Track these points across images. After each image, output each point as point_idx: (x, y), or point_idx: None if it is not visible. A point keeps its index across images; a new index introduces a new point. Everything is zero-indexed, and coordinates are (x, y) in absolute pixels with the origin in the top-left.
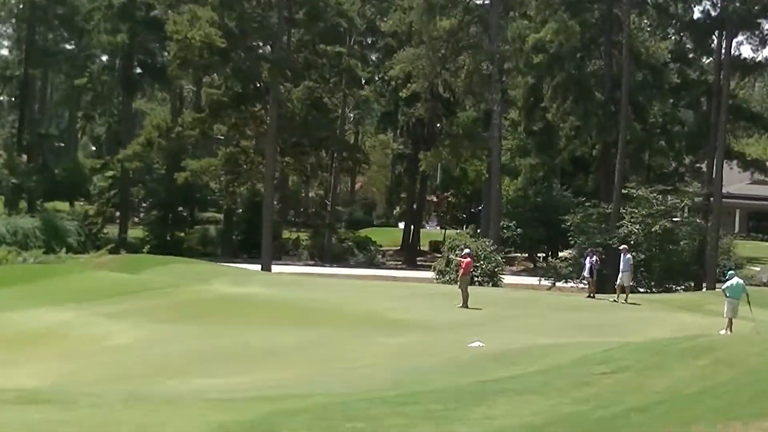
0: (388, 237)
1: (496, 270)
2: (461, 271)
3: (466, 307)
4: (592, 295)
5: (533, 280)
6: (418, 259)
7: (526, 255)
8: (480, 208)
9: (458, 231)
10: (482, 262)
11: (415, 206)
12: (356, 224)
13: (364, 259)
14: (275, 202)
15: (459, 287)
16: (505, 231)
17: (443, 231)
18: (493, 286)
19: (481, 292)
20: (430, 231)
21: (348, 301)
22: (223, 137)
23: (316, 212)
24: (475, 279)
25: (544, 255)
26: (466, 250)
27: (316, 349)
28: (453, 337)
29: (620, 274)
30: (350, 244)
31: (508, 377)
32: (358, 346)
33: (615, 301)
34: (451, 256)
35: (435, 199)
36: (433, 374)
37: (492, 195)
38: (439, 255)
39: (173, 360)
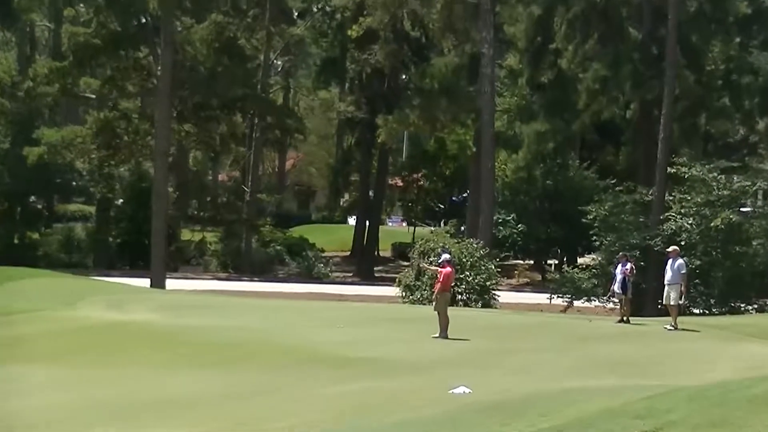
0: (334, 238)
1: (488, 284)
2: (438, 286)
3: (446, 337)
4: (625, 318)
5: (541, 298)
6: (376, 269)
7: (532, 262)
8: (464, 195)
9: (433, 229)
10: (468, 273)
11: (371, 194)
12: (287, 220)
13: (298, 269)
14: (170, 189)
15: (435, 309)
16: (501, 228)
17: (412, 229)
18: (483, 306)
19: (467, 315)
20: (393, 229)
21: (277, 331)
22: (94, 96)
23: (230, 203)
24: (459, 297)
25: (556, 262)
26: (445, 256)
27: (230, 403)
28: (428, 381)
29: (665, 289)
30: (279, 248)
31: None
32: (294, 396)
33: (671, 327)
34: (423, 265)
35: (400, 184)
36: None
37: (482, 177)
38: (405, 263)
39: (23, 419)
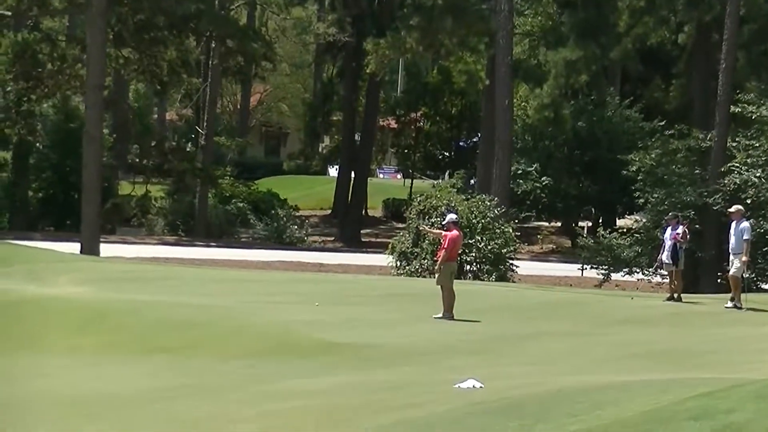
0: (310, 193)
1: (504, 252)
2: (441, 254)
3: (451, 317)
4: (676, 295)
5: (571, 270)
6: (363, 232)
7: (559, 225)
8: (474, 140)
9: (436, 182)
10: (480, 238)
11: (357, 138)
12: (252, 171)
13: (266, 232)
14: (105, 131)
15: (438, 282)
16: (521, 182)
17: (408, 182)
18: (498, 280)
19: (478, 290)
20: (386, 182)
21: (239, 309)
22: (9, 14)
23: (180, 149)
24: (467, 267)
25: (589, 225)
26: (451, 217)
27: (174, 401)
28: (427, 373)
29: (731, 258)
30: (241, 205)
31: None
32: (257, 393)
33: (733, 306)
34: (423, 228)
35: (394, 126)
36: None
37: (497, 117)
38: (401, 226)
39: None
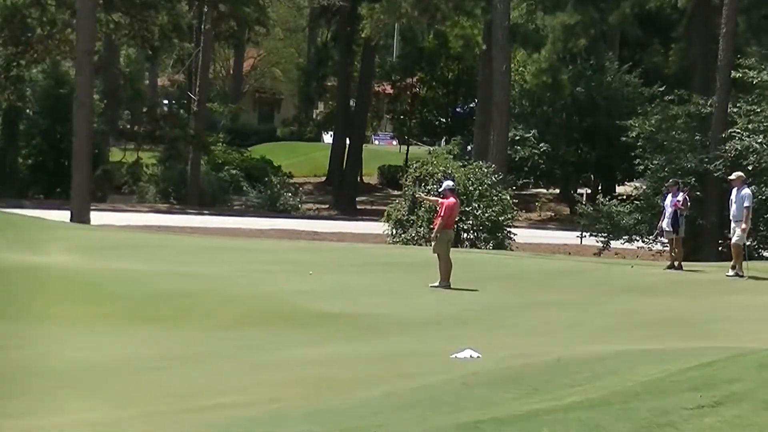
0: (304, 160)
1: (501, 220)
2: (438, 221)
3: (447, 286)
4: (677, 264)
5: (569, 237)
6: (358, 200)
7: (557, 192)
8: (471, 106)
9: (432, 148)
10: (476, 205)
11: (352, 104)
12: (245, 137)
13: (259, 200)
14: (96, 97)
15: (434, 251)
16: (519, 148)
17: (404, 149)
18: (496, 248)
19: (475, 259)
20: (381, 149)
21: (231, 279)
22: None
23: (172, 115)
24: (464, 235)
25: (588, 192)
26: (448, 184)
27: (165, 372)
28: (423, 343)
29: (732, 225)
30: (234, 173)
31: (526, 415)
32: (249, 363)
33: (734, 274)
34: (420, 195)
35: (389, 91)
36: (390, 417)
37: (494, 82)
38: (396, 193)
39: None
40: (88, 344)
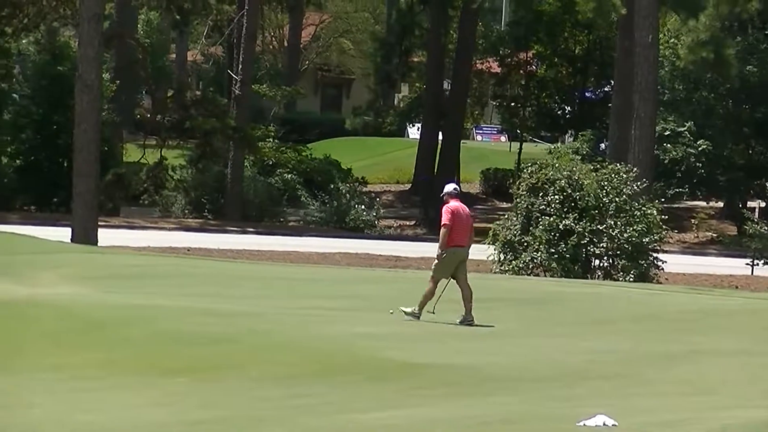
0: (383, 161)
1: (645, 241)
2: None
3: (418, 316)
4: None
5: (737, 265)
6: None
7: (720, 206)
8: (606, 90)
9: (553, 146)
10: (612, 223)
11: (447, 87)
12: (304, 130)
13: (323, 213)
14: (106, 77)
15: (433, 275)
16: (669, 146)
17: (515, 146)
18: (638, 279)
19: (609, 293)
20: (485, 146)
21: (283, 319)
22: None
23: (206, 100)
24: (596, 262)
25: (761, 205)
26: (449, 187)
27: None
28: (540, 403)
29: None
30: (289, 177)
31: None
32: (306, 430)
33: None
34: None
35: (497, 70)
36: None
37: (636, 59)
38: (506, 206)
39: None
40: (95, 404)
